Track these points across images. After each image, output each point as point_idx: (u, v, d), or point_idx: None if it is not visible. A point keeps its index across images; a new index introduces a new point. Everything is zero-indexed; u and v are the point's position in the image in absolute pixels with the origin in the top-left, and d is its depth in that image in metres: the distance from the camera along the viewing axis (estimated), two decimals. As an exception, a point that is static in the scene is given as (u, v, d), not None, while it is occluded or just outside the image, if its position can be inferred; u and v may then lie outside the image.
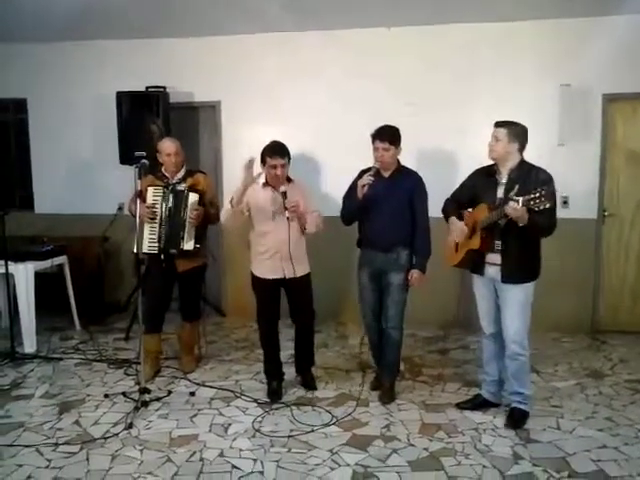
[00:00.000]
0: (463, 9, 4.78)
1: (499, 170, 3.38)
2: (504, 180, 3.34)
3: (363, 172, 3.66)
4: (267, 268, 3.76)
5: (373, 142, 3.63)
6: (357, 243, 3.84)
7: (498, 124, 3.34)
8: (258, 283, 3.83)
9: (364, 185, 3.50)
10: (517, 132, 3.31)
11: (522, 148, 3.34)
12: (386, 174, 3.67)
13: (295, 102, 5.42)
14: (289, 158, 3.73)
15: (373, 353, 4.01)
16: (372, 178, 3.50)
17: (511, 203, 3.05)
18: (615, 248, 5.21)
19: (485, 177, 3.45)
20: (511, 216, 3.09)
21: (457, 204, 3.57)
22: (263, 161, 3.70)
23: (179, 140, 4.23)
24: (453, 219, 3.52)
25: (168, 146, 4.09)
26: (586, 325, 5.23)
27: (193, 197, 4.01)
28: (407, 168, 3.76)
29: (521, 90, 5.04)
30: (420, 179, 3.71)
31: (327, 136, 5.30)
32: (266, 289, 3.80)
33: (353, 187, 3.67)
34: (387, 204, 3.60)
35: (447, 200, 3.64)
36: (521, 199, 3.01)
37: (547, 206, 2.97)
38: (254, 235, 3.83)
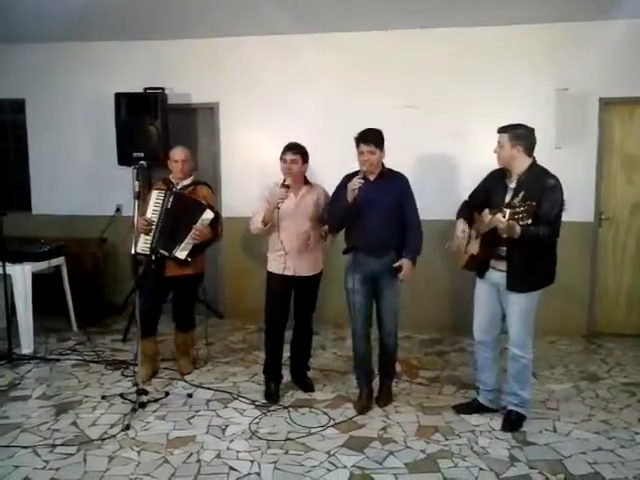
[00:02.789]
0: (460, 13, 4.79)
1: (510, 174, 3.33)
2: (513, 185, 3.28)
3: (348, 177, 3.59)
4: (278, 264, 3.80)
5: (357, 146, 3.55)
6: (344, 251, 3.70)
7: (500, 130, 3.31)
8: (270, 279, 3.86)
9: (355, 189, 3.40)
10: (519, 134, 3.25)
11: (528, 150, 3.27)
12: (372, 177, 3.58)
13: (293, 104, 5.43)
14: (305, 158, 3.81)
15: (358, 367, 3.79)
16: (362, 181, 3.41)
17: (499, 215, 2.98)
18: (611, 251, 5.24)
19: (497, 180, 3.40)
20: (498, 228, 3.05)
21: (471, 207, 3.51)
22: (282, 159, 3.80)
23: (181, 144, 4.29)
24: (458, 221, 3.49)
25: (177, 152, 4.16)
26: (582, 328, 5.25)
27: (208, 214, 3.99)
28: (392, 170, 3.68)
29: (518, 94, 5.06)
30: (407, 180, 3.66)
31: (326, 138, 5.31)
32: (276, 285, 3.82)
33: (339, 192, 3.60)
34: (377, 208, 3.53)
35: (463, 203, 3.60)
36: (508, 211, 2.92)
37: (528, 222, 2.89)
38: (270, 233, 3.84)
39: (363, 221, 3.55)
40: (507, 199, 3.25)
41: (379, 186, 3.57)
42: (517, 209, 2.91)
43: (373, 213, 3.53)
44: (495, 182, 3.42)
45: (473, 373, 4.02)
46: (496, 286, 3.39)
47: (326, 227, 3.81)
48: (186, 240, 3.97)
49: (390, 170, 3.68)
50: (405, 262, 3.54)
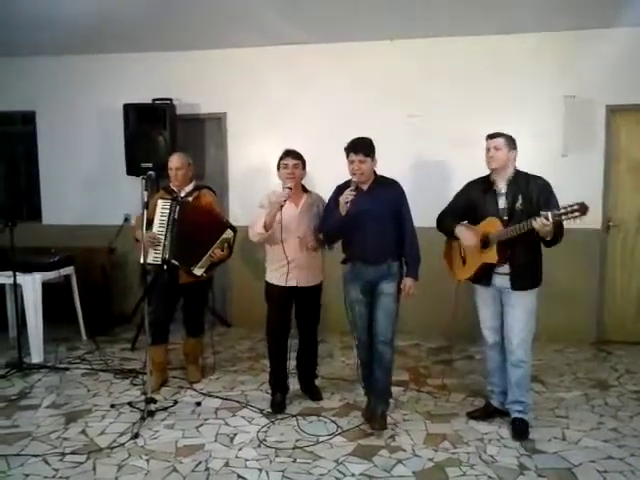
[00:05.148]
0: (466, 22, 4.82)
1: (496, 181, 3.41)
2: (503, 190, 3.37)
3: (340, 188, 3.55)
4: (281, 275, 3.75)
5: (348, 156, 3.50)
6: (342, 261, 3.66)
7: (493, 135, 3.40)
8: (271, 290, 3.83)
9: (347, 201, 3.36)
10: (512, 140, 3.39)
11: (516, 157, 3.41)
12: (365, 187, 3.51)
13: (300, 114, 5.48)
14: (304, 164, 3.81)
15: (364, 377, 3.76)
16: (354, 192, 3.37)
17: (539, 219, 3.03)
18: (620, 258, 5.22)
19: (481, 189, 3.46)
20: (539, 230, 3.09)
21: (455, 217, 3.55)
22: (279, 167, 3.78)
23: (186, 152, 4.31)
24: (461, 227, 3.47)
25: (172, 160, 4.17)
26: (591, 336, 5.23)
27: (228, 233, 3.98)
28: (385, 178, 3.63)
29: (525, 101, 5.09)
30: (401, 187, 3.61)
31: (331, 147, 5.31)
32: (277, 296, 3.79)
33: (332, 204, 3.57)
34: (373, 217, 3.48)
35: (443, 214, 3.62)
36: (550, 214, 3.00)
37: (582, 218, 2.95)
38: (270, 243, 3.81)
39: (359, 231, 3.50)
40: (501, 204, 3.36)
41: (373, 195, 3.52)
42: (562, 210, 2.99)
43: (368, 223, 3.48)
44: (478, 191, 3.48)
45: (481, 381, 4.02)
46: (498, 290, 3.41)
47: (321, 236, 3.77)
48: (204, 259, 3.96)
49: (384, 178, 3.63)
50: (408, 281, 3.52)
